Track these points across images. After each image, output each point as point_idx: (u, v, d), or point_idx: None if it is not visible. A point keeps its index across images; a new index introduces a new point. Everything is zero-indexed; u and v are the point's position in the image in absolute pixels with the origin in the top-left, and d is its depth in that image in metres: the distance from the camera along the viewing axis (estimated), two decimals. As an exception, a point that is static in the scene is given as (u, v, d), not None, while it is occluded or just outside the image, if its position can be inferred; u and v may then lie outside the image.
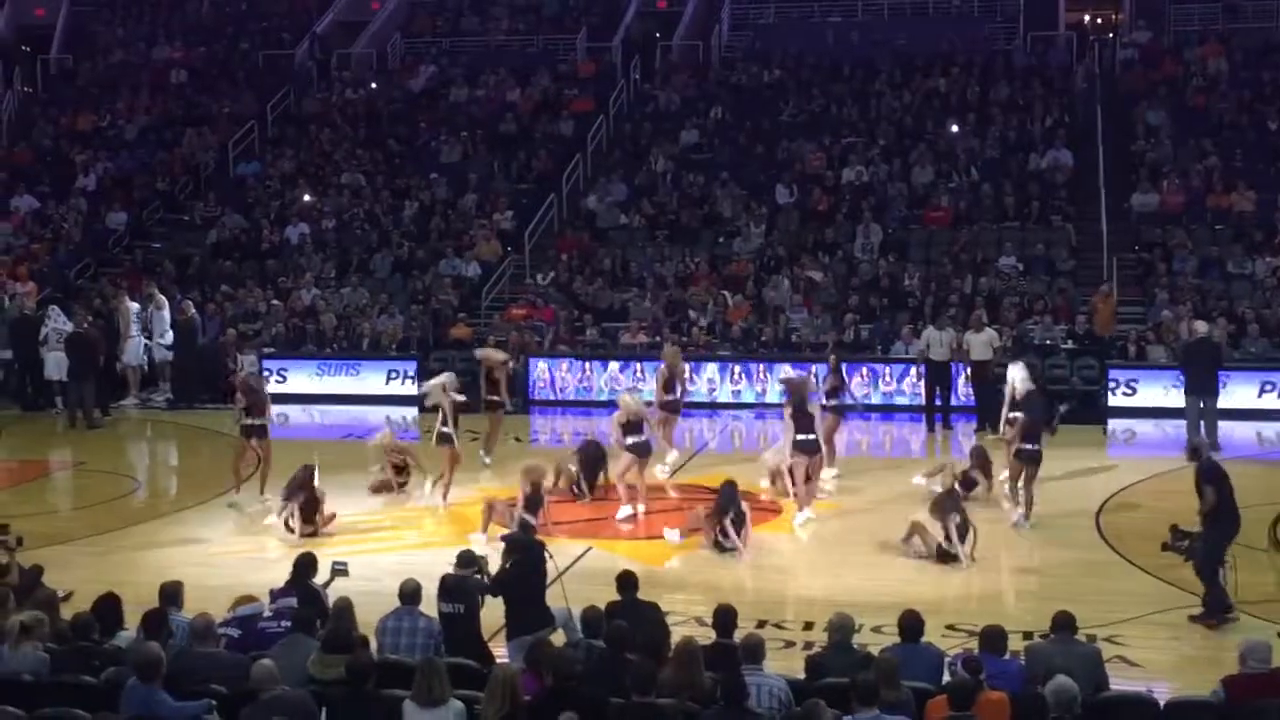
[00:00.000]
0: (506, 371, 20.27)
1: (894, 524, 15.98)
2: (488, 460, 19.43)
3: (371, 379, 25.42)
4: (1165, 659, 12.38)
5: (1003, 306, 25.12)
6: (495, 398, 19.61)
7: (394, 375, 25.29)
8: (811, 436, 16.46)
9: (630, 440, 16.81)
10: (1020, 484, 16.56)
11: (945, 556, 14.81)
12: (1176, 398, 21.59)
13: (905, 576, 14.67)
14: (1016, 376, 17.63)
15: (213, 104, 35.54)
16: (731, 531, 15.30)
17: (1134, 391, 23.11)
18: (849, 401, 19.80)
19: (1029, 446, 16.40)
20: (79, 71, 38.24)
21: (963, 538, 14.84)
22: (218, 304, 27.67)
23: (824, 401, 18.36)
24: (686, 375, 20.61)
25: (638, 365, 24.38)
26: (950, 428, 22.42)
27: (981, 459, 17.59)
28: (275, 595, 11.38)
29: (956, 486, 15.99)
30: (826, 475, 18.03)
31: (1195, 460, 13.25)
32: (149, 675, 8.93)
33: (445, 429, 17.35)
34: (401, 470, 18.39)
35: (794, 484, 16.77)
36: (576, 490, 17.83)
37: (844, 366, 19.76)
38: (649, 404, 18.57)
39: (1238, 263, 26.25)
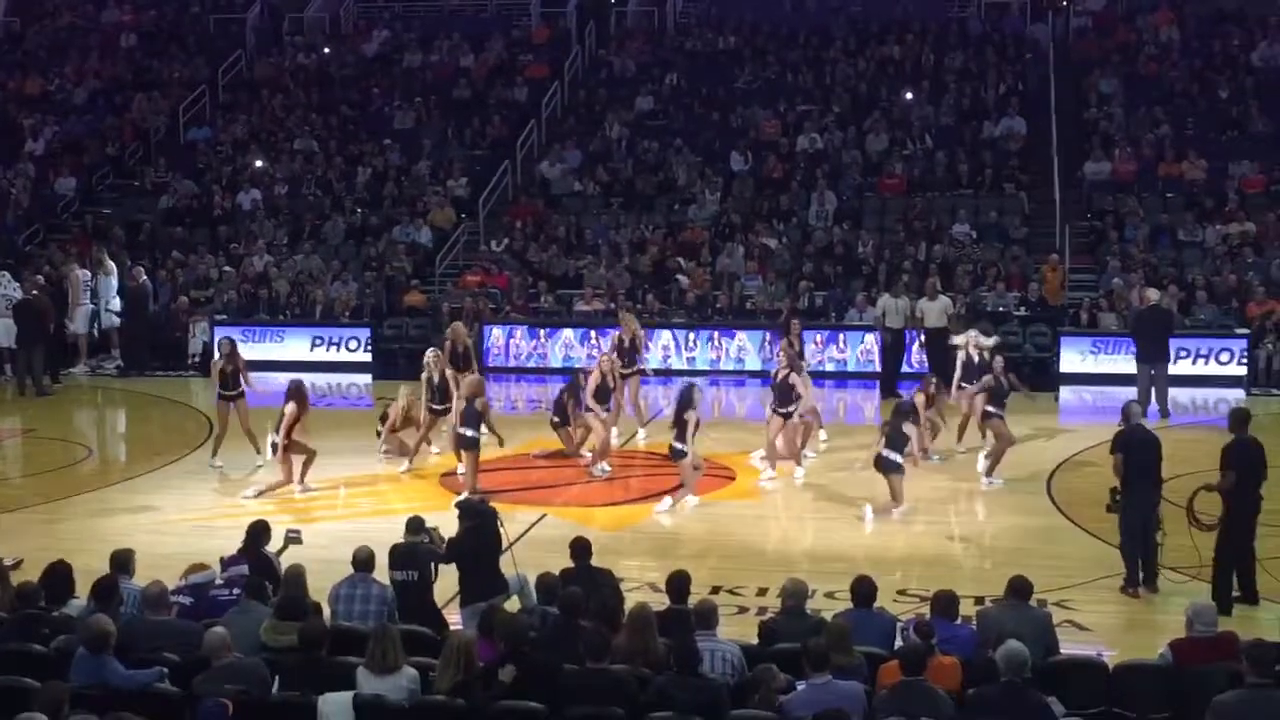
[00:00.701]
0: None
1: (848, 491, 16.06)
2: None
3: (295, 345, 25.31)
4: (1114, 623, 12.50)
5: (956, 274, 25.22)
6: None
7: (319, 342, 25.17)
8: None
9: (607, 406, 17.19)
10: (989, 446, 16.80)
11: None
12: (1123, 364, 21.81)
13: (858, 542, 14.78)
14: (979, 341, 17.79)
15: (163, 68, 35.12)
16: (688, 433, 15.44)
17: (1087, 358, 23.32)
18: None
19: (995, 410, 16.57)
20: (26, 35, 37.68)
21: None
22: (169, 270, 27.46)
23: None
24: (643, 340, 20.52)
25: (592, 333, 24.36)
26: (900, 396, 22.46)
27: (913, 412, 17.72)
28: (226, 563, 11.33)
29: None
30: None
31: (1121, 424, 13.33)
32: (98, 647, 8.87)
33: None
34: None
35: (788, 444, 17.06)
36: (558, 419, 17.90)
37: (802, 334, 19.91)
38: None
39: (1189, 231, 26.43)
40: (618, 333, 19.80)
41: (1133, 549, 12.94)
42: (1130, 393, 20.98)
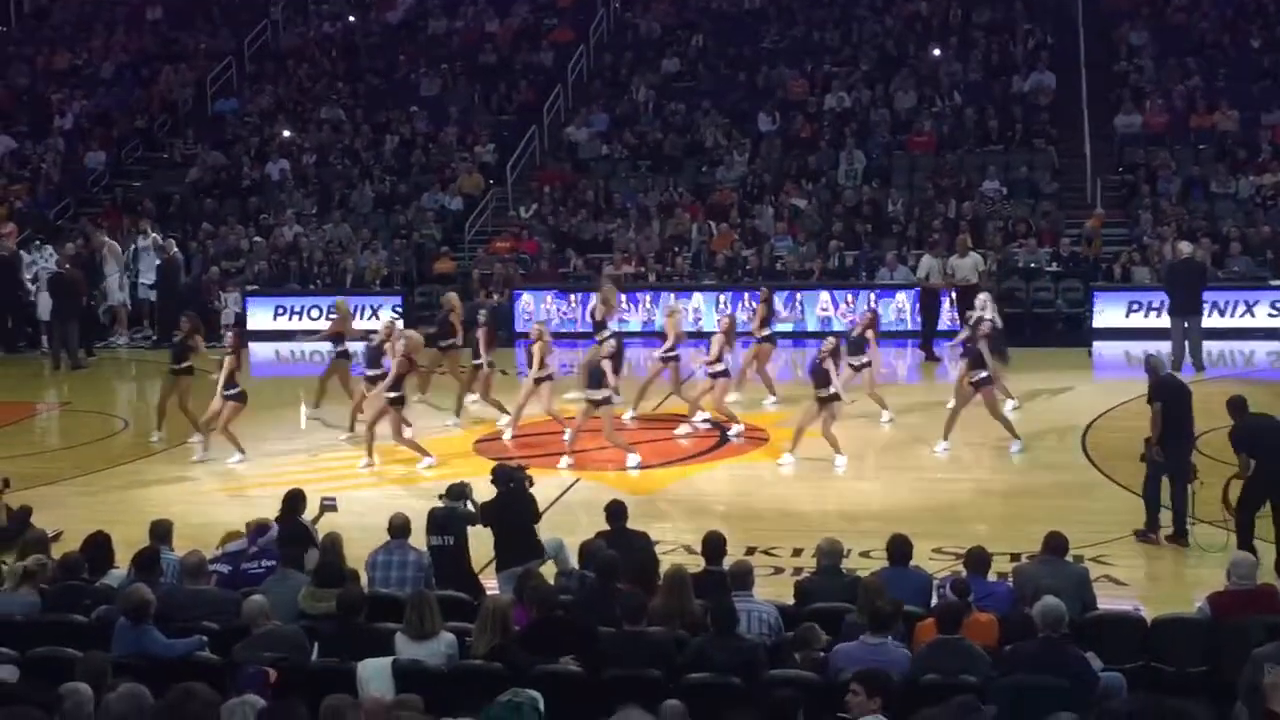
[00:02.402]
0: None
1: (881, 451, 16.03)
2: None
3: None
4: (1152, 577, 12.47)
5: (987, 231, 25.09)
6: (453, 341, 19.14)
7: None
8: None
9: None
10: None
11: None
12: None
13: (893, 501, 14.76)
14: (986, 307, 17.69)
15: (189, 40, 35.16)
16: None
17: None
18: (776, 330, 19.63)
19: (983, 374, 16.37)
20: (53, 9, 37.82)
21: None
22: (200, 242, 27.56)
23: (756, 333, 18.70)
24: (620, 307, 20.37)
25: (622, 296, 24.30)
26: (935, 354, 22.36)
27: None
28: (253, 534, 11.28)
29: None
30: (766, 403, 18.64)
31: (1151, 376, 13.36)
32: (138, 617, 8.95)
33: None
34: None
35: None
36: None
37: (773, 297, 19.70)
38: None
39: (1221, 182, 26.21)
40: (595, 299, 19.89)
41: (1155, 496, 12.99)
42: (1164, 347, 20.97)
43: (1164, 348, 20.96)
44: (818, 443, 16.03)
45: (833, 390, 15.70)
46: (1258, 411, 12.86)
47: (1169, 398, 13.03)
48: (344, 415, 18.05)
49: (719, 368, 17.08)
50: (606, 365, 16.05)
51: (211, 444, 16.87)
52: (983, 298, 18.30)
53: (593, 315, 19.50)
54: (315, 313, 25.15)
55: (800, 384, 18.79)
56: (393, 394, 16.04)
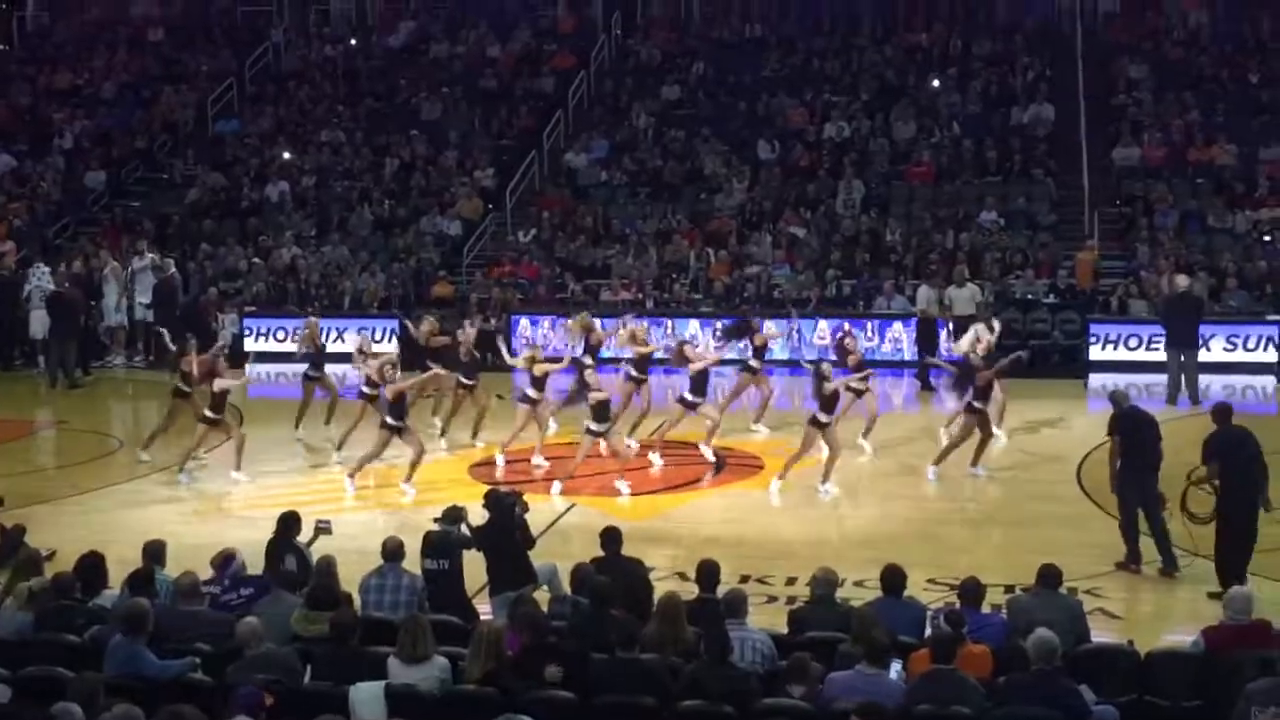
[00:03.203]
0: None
1: (877, 481, 16.04)
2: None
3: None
4: (1146, 611, 12.48)
5: (984, 262, 25.14)
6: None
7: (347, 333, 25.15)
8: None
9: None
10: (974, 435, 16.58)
11: None
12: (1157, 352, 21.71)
13: (888, 531, 14.75)
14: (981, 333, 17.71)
15: (190, 61, 35.23)
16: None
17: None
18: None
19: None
20: (56, 29, 37.88)
21: None
22: (198, 263, 27.58)
23: (752, 361, 18.77)
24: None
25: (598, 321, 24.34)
26: (932, 384, 22.37)
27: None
28: (220, 565, 11.02)
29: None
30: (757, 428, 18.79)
31: (1114, 409, 13.51)
32: (136, 629, 8.94)
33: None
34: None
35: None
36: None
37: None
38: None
39: (1219, 216, 26.28)
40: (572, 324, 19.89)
41: (1129, 526, 13.13)
42: (1160, 379, 21.03)
43: (1161, 380, 21.08)
44: (813, 471, 16.01)
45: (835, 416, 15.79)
46: (1239, 425, 12.90)
47: (1127, 430, 13.18)
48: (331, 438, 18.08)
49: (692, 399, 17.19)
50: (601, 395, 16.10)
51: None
52: (974, 330, 18.20)
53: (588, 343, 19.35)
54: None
55: (848, 417, 18.88)
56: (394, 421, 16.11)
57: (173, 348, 18.20)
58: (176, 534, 12.45)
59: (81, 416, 21.63)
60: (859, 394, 17.55)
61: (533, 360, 17.23)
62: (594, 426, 15.97)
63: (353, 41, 35.56)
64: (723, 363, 18.62)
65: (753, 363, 18.79)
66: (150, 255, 25.98)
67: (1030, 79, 30.48)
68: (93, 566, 10.51)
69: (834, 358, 18.09)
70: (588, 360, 18.13)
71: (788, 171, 28.98)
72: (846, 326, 16.36)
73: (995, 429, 17.37)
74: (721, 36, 33.66)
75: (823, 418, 15.73)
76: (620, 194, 29.34)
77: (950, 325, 22.57)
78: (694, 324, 24.31)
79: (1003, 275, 24.99)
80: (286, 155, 31.14)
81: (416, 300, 26.39)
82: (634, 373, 18.17)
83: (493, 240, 28.71)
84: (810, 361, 17.25)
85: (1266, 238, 25.50)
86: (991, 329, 18.09)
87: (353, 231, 28.71)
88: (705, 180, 29.13)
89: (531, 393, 17.12)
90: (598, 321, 20.24)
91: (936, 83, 30.69)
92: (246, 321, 25.52)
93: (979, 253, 25.49)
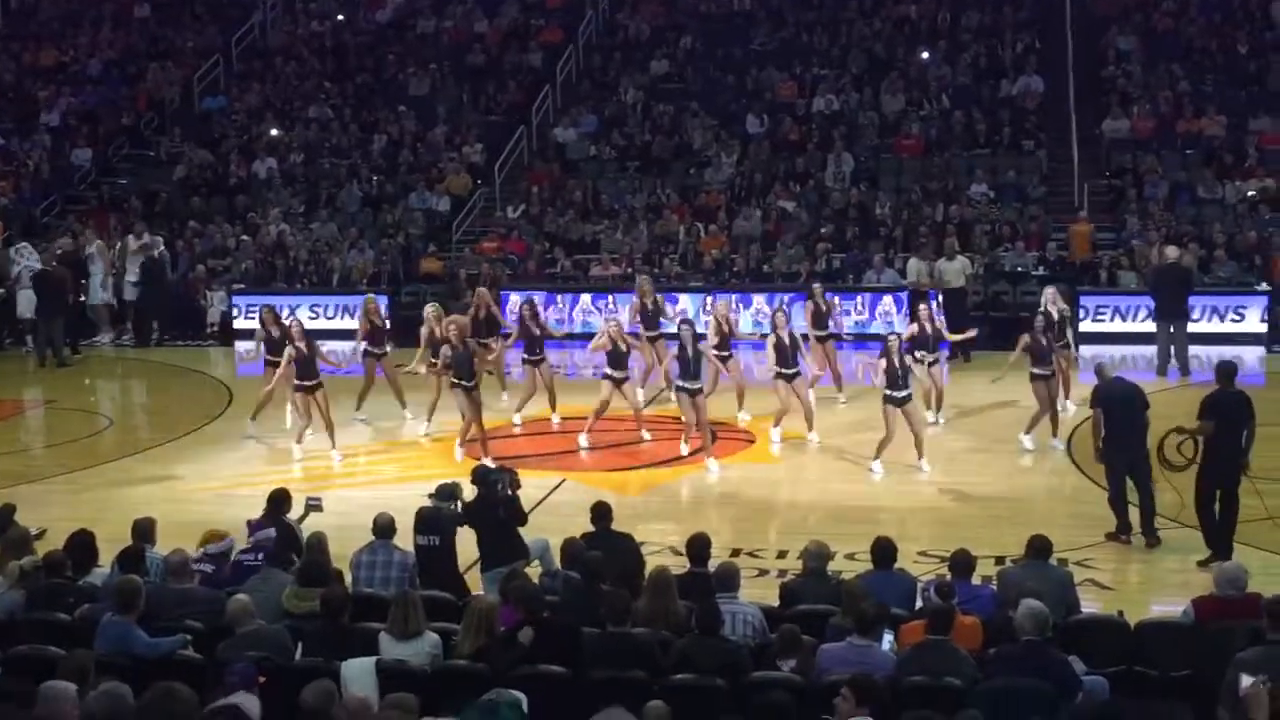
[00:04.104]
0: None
1: (867, 453, 16.05)
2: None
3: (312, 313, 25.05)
4: (1136, 581, 12.50)
5: (974, 234, 25.13)
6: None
7: (336, 309, 24.96)
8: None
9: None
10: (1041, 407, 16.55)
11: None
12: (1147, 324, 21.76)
13: (878, 504, 14.77)
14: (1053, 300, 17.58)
15: (176, 37, 35.08)
16: None
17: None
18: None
19: (1040, 371, 16.43)
20: (40, 6, 37.68)
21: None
22: (186, 240, 27.50)
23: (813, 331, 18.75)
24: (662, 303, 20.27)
25: (610, 297, 24.34)
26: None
27: None
28: (253, 528, 11.35)
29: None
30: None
31: (1098, 380, 13.58)
32: (126, 607, 8.94)
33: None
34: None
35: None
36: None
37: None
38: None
39: (1208, 187, 26.27)
40: (635, 298, 19.74)
41: (1118, 497, 13.19)
42: (1150, 351, 21.05)
43: (1150, 352, 21.10)
44: (806, 444, 15.98)
45: (908, 391, 15.64)
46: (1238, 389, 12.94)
47: (1109, 403, 13.21)
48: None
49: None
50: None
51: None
52: (1050, 291, 18.03)
53: (645, 310, 19.29)
54: (301, 312, 25.05)
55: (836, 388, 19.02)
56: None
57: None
58: (167, 513, 12.41)
59: (69, 396, 21.57)
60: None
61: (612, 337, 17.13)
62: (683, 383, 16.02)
63: (340, 17, 35.38)
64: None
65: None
66: (149, 236, 25.83)
67: (1019, 51, 30.42)
68: (83, 545, 10.51)
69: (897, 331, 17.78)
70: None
71: (777, 145, 28.92)
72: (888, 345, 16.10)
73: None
74: (710, 10, 33.54)
75: (894, 393, 15.54)
76: (609, 169, 29.26)
77: (939, 298, 22.58)
78: (684, 298, 24.27)
79: (992, 248, 24.98)
80: (274, 132, 31.04)
81: (405, 276, 26.35)
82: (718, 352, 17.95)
83: (481, 216, 28.65)
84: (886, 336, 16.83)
85: (1251, 193, 25.43)
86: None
87: (341, 208, 28.63)
88: (694, 154, 29.07)
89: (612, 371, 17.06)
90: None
91: (926, 55, 30.62)
92: (235, 299, 25.45)
93: (969, 225, 25.48)
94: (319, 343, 17.63)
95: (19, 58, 35.03)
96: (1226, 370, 12.94)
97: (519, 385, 18.75)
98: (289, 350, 16.67)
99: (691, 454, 16.46)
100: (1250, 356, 21.85)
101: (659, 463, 16.67)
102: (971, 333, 19.01)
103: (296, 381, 16.69)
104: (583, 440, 17.06)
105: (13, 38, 36.33)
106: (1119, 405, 13.20)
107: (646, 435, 17.35)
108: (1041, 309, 17.22)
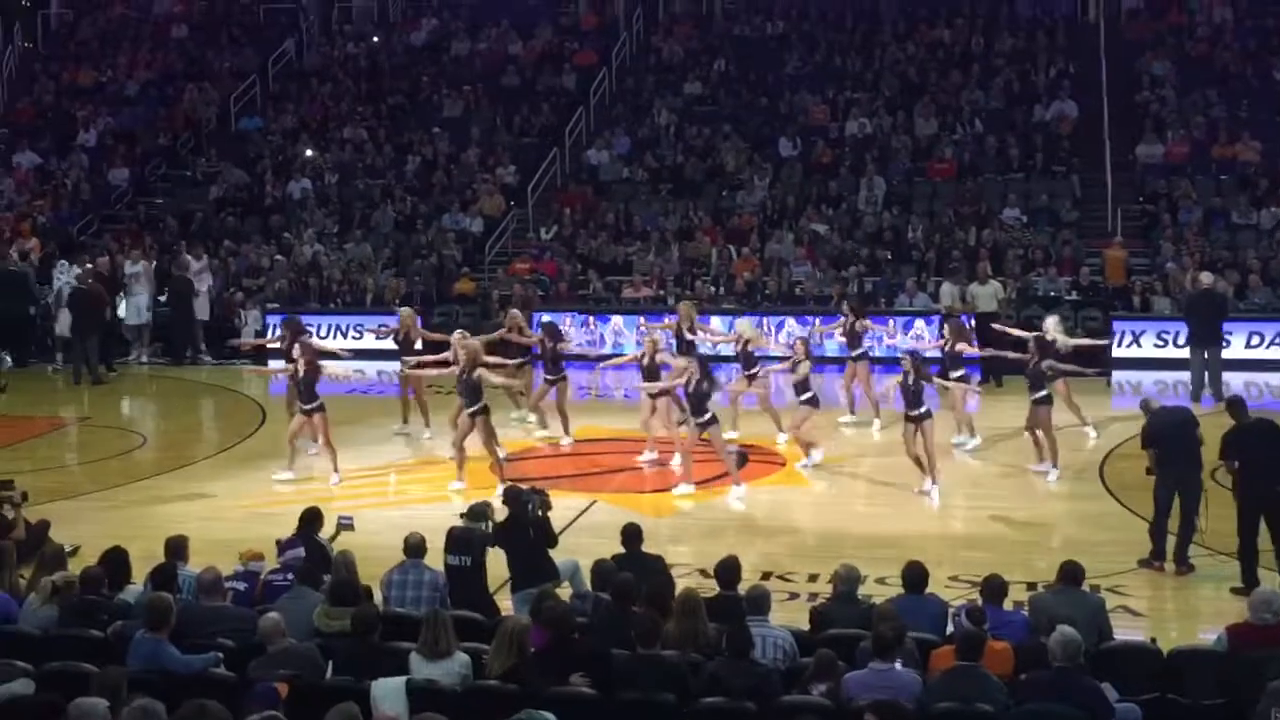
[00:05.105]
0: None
1: (899, 477, 16.01)
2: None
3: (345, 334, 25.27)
4: (1169, 609, 12.42)
5: (1007, 259, 25.07)
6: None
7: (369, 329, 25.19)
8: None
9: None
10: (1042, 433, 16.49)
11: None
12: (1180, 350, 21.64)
13: (909, 529, 14.70)
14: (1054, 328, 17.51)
15: (214, 59, 35.37)
16: None
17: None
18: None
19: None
20: (79, 26, 38.02)
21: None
22: (221, 259, 27.67)
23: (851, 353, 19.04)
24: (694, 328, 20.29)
25: (641, 319, 24.33)
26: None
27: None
28: (283, 547, 11.40)
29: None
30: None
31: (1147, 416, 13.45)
32: (159, 624, 8.98)
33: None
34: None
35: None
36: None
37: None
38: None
39: (1242, 213, 26.17)
40: (675, 320, 19.76)
41: (1161, 529, 13.06)
42: (1184, 377, 20.92)
43: (1184, 378, 20.98)
44: (837, 467, 15.94)
45: (924, 409, 15.59)
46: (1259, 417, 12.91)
47: (1161, 434, 13.11)
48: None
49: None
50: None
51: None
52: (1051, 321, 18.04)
53: (680, 334, 19.35)
54: (335, 332, 25.24)
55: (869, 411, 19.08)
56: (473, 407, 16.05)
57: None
58: (200, 530, 12.48)
59: (104, 413, 21.70)
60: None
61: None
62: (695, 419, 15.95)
63: (375, 39, 35.64)
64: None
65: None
66: (206, 257, 26.03)
67: (1053, 75, 30.39)
68: (117, 562, 10.56)
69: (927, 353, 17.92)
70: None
71: (809, 168, 28.95)
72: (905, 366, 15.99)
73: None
74: (743, 33, 33.63)
75: (913, 412, 15.58)
76: (642, 191, 29.33)
77: (972, 322, 22.49)
78: (715, 320, 24.24)
79: (1025, 272, 24.91)
80: (309, 152, 31.24)
81: (438, 297, 26.44)
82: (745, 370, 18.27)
83: (514, 237, 28.74)
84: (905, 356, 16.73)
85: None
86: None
87: (375, 228, 28.78)
88: (727, 177, 29.12)
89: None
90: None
91: (959, 79, 30.54)
92: (268, 318, 25.58)
93: (1001, 249, 25.43)
94: (348, 363, 17.68)
95: (58, 78, 35.35)
96: (1236, 403, 12.99)
97: (551, 404, 18.75)
98: (289, 367, 16.81)
99: (716, 479, 16.42)
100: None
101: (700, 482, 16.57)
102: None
103: (299, 405, 16.67)
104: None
105: (51, 58, 36.69)
106: (1171, 432, 13.09)
107: (651, 454, 17.32)
108: (1040, 333, 17.19)
